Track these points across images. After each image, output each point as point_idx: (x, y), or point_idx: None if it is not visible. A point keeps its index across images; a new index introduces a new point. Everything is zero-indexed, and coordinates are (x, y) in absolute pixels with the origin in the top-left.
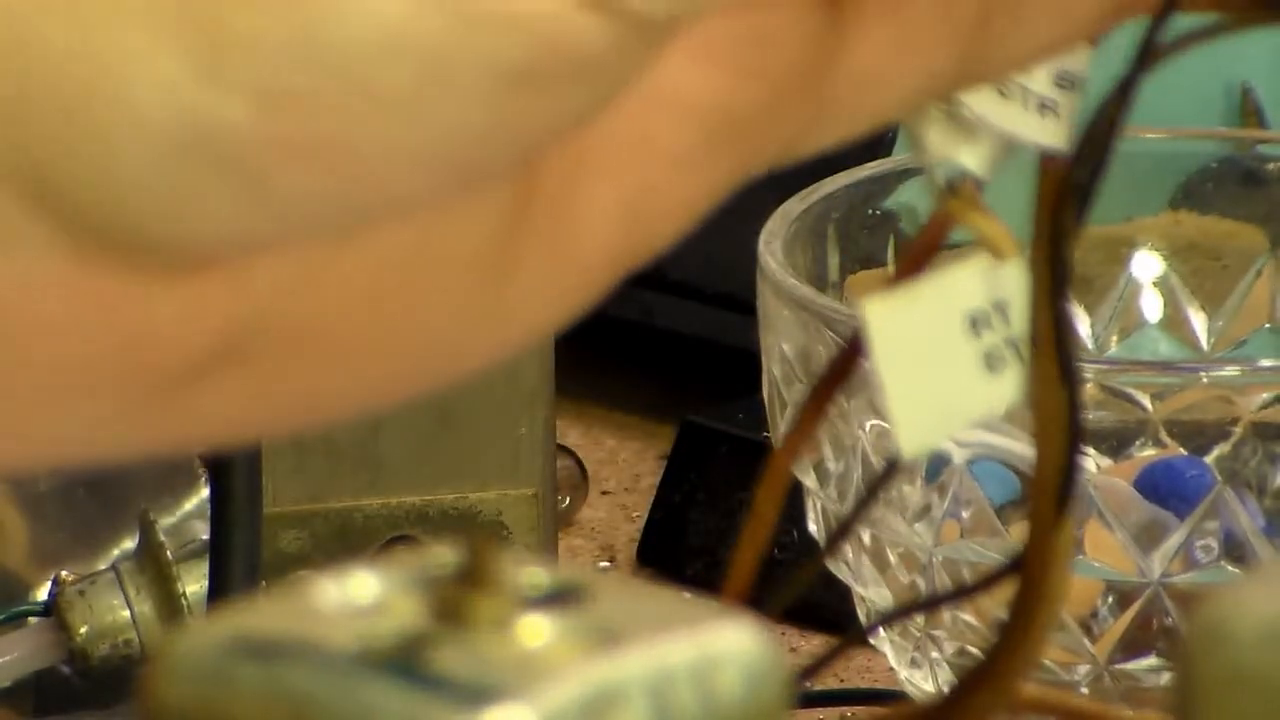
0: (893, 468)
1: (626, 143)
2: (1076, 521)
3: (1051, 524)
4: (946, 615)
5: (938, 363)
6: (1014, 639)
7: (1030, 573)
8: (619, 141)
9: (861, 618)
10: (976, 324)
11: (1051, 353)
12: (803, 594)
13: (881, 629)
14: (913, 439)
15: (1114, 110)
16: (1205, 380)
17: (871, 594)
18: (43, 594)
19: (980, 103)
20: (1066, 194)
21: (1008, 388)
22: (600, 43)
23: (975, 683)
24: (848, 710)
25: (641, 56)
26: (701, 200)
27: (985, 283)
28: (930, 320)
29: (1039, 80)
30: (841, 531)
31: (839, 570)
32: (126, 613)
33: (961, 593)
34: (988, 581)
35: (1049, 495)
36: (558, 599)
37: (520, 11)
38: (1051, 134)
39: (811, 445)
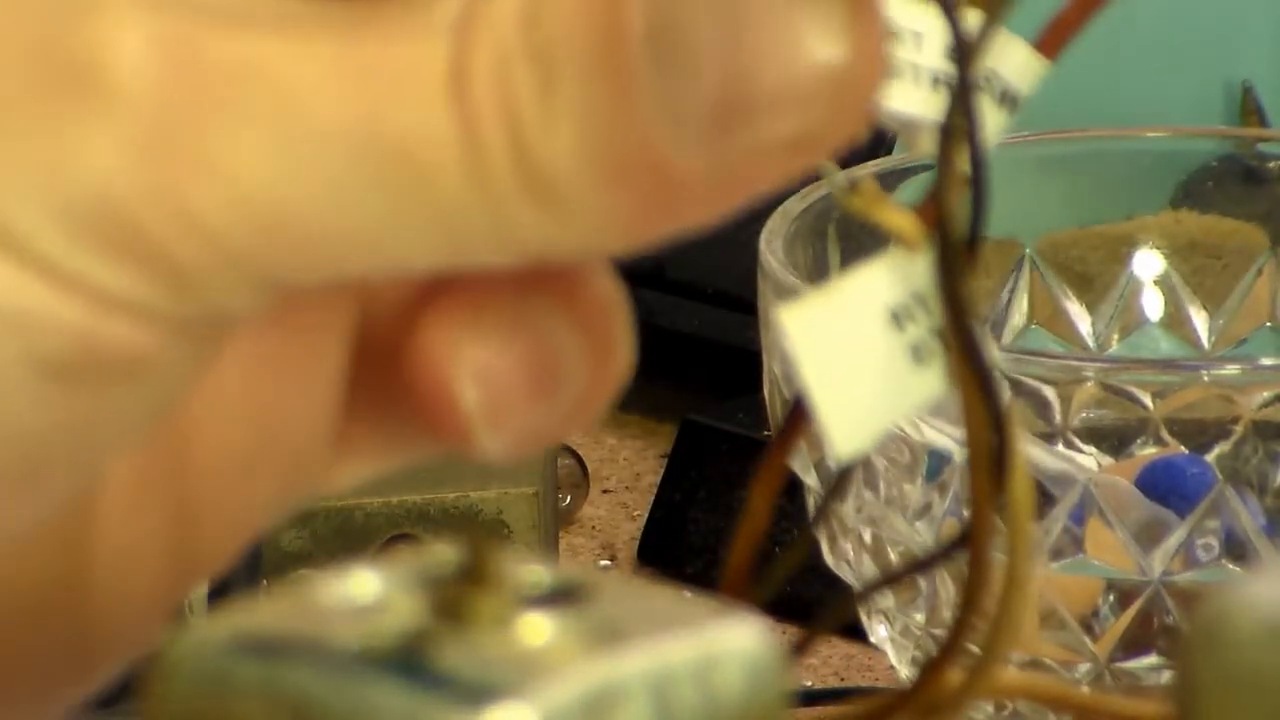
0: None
1: (164, 454)
2: (1078, 519)
3: (990, 499)
4: (947, 614)
5: (863, 361)
6: (967, 614)
7: (976, 546)
8: (156, 454)
9: (863, 617)
10: (899, 318)
11: (954, 333)
12: (805, 593)
13: (885, 631)
14: (846, 441)
15: (963, 97)
16: (1206, 379)
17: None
18: None
19: None
20: (949, 175)
21: (938, 377)
22: (137, 344)
23: (940, 660)
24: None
25: (192, 358)
26: (247, 521)
27: (901, 275)
28: (850, 320)
29: (930, 54)
30: (821, 513)
31: (840, 570)
32: None
33: (915, 567)
34: (937, 557)
35: (983, 471)
36: (558, 598)
37: (51, 312)
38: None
39: (813, 443)
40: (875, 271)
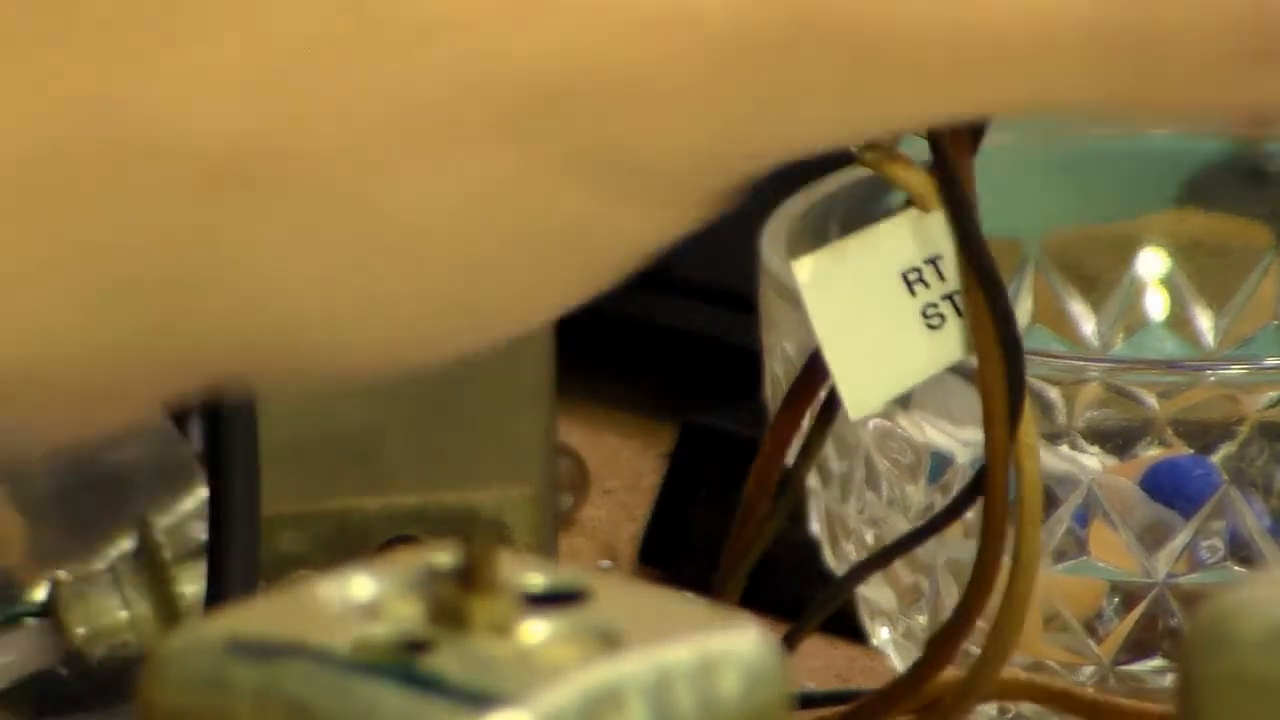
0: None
1: None
2: (1081, 521)
3: (1006, 441)
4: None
5: (876, 321)
6: (982, 578)
7: (992, 492)
8: None
9: (864, 618)
10: (911, 281)
11: (971, 267)
12: (808, 595)
13: (887, 633)
14: (859, 399)
15: None
16: (1211, 379)
17: (874, 594)
18: (40, 595)
19: None
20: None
21: (949, 343)
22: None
23: (950, 632)
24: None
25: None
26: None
27: (915, 237)
28: (864, 278)
29: None
30: (789, 482)
31: (843, 572)
32: (124, 614)
33: (930, 528)
34: (953, 510)
35: (1001, 415)
36: (558, 600)
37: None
38: None
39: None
40: (886, 230)
